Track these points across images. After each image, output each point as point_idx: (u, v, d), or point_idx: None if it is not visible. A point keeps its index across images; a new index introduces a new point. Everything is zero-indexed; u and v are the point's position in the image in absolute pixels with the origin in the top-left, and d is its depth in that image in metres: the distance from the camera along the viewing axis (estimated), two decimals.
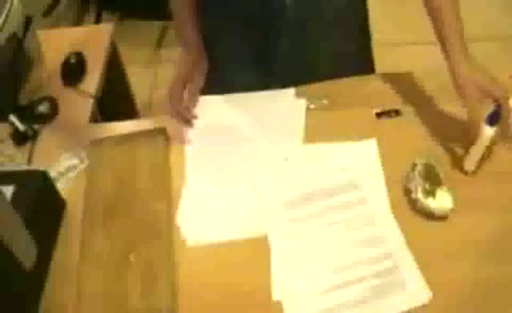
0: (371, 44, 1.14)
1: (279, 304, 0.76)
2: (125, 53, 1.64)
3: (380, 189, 0.88)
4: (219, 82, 1.12)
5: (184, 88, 1.04)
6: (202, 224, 0.87)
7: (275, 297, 0.77)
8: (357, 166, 0.92)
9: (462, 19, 0.90)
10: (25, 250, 0.76)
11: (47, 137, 1.05)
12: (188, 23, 1.08)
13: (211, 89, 1.13)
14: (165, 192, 0.90)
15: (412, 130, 0.97)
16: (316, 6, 1.00)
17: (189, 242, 0.84)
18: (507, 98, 0.83)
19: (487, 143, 0.83)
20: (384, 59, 1.18)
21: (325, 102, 1.02)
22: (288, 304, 0.76)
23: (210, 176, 0.93)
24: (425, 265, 0.78)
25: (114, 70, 1.51)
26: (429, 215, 0.84)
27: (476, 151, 0.85)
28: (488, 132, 0.81)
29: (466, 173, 0.87)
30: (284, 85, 1.05)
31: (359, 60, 1.12)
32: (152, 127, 1.00)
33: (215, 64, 1.13)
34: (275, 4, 0.98)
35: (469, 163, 0.86)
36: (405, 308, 0.75)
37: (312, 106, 1.02)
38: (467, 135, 0.86)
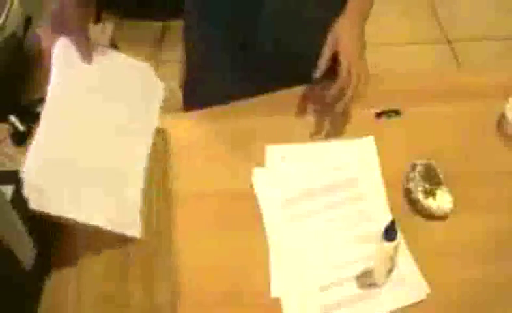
0: None
1: (277, 301, 0.77)
2: (125, 53, 1.63)
3: (378, 186, 0.88)
4: (201, 92, 1.13)
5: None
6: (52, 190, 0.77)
7: (274, 294, 0.77)
8: (356, 163, 0.92)
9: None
10: (25, 250, 0.76)
11: None
12: None
13: (192, 99, 1.13)
14: (165, 192, 0.90)
15: (411, 130, 0.97)
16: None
17: (32, 206, 0.73)
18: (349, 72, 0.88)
19: (388, 257, 0.74)
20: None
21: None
22: (286, 301, 0.76)
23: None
24: (424, 265, 0.78)
25: None
26: (429, 215, 0.84)
27: (381, 266, 0.76)
28: (388, 248, 0.72)
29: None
30: (266, 87, 1.02)
31: None
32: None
33: (193, 73, 1.14)
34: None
35: (379, 278, 0.77)
36: (403, 304, 0.75)
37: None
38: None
